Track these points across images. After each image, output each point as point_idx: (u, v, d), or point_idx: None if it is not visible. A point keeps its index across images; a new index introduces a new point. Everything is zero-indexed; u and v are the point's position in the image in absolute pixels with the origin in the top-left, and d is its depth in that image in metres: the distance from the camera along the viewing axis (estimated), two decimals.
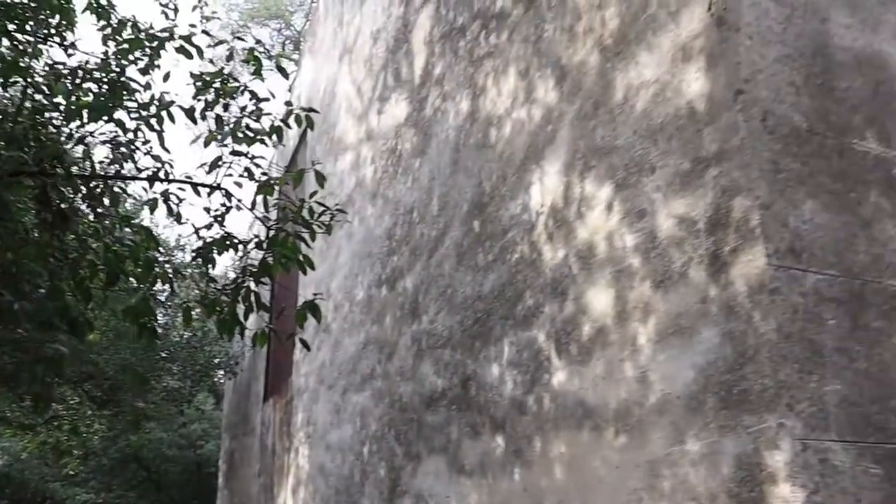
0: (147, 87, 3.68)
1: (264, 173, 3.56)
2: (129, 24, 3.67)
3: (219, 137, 3.45)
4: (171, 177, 3.55)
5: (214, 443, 15.37)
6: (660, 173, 2.50)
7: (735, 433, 2.12)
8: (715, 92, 2.31)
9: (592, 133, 2.89)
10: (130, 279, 3.67)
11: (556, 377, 2.99)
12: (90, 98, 3.52)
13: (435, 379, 4.11)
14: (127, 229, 3.69)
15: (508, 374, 3.35)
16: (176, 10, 3.91)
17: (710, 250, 2.26)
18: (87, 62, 3.62)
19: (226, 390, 14.70)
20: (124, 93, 3.57)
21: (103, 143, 3.72)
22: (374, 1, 6.04)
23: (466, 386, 3.75)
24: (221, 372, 13.21)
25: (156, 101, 3.58)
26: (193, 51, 3.71)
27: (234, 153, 3.45)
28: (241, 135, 3.48)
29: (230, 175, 3.49)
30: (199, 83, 3.60)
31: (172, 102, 3.51)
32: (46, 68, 3.63)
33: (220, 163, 3.42)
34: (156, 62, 3.70)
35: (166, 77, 3.80)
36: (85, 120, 3.52)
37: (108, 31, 3.67)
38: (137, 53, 3.65)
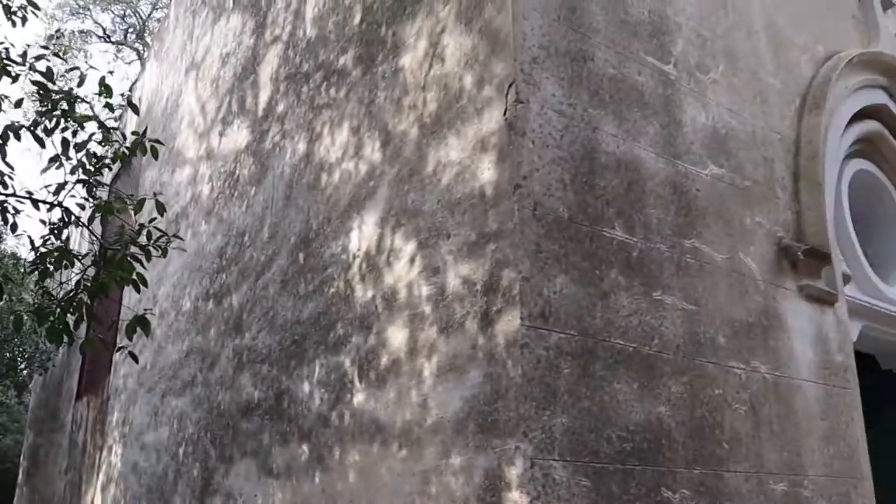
0: None
1: (106, 200, 3.83)
2: None
3: (64, 162, 3.69)
4: (11, 189, 3.74)
5: (12, 437, 14.65)
6: (453, 240, 3.10)
7: (486, 452, 2.73)
8: (500, 182, 2.93)
9: (406, 196, 3.46)
10: None
11: (356, 397, 3.52)
12: None
13: (252, 390, 4.52)
14: None
15: (317, 391, 3.84)
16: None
17: (483, 308, 2.87)
18: None
19: (33, 385, 14.09)
20: None
21: None
22: (225, 24, 6.37)
23: (280, 399, 4.19)
24: (26, 366, 12.72)
25: None
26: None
27: (80, 181, 3.70)
28: (85, 161, 3.73)
29: (73, 196, 3.74)
30: (45, 104, 3.80)
31: (22, 126, 3.68)
32: None
33: (64, 188, 3.65)
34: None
35: (18, 104, 3.96)
36: None
37: None
38: None
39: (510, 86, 2.98)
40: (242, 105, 5.54)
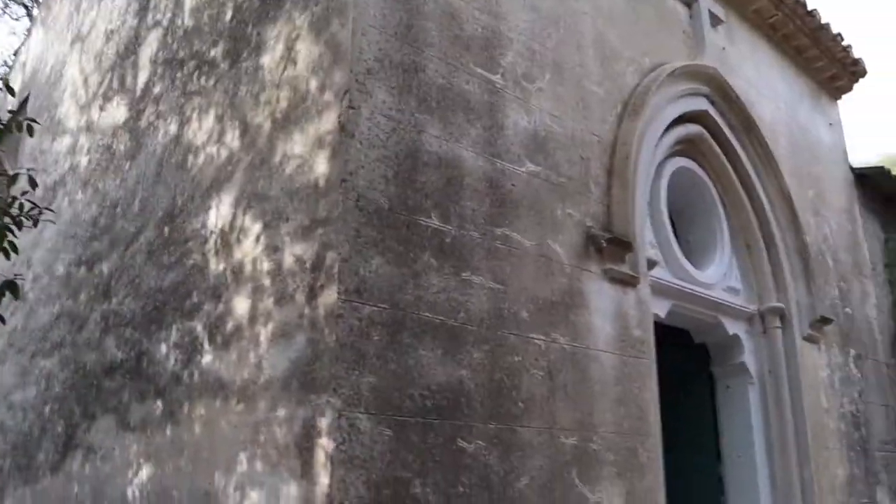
0: None
1: None
2: None
3: None
4: None
5: None
6: (291, 223, 3.59)
7: (304, 405, 3.25)
8: (331, 176, 3.44)
9: (256, 182, 3.93)
10: None
11: (205, 358, 4.00)
12: None
13: (116, 351, 4.93)
14: None
15: (172, 352, 4.30)
16: None
17: (309, 283, 3.38)
18: None
19: None
20: None
21: None
22: (111, 1, 6.62)
23: (140, 359, 4.63)
24: None
25: None
26: None
27: None
28: None
29: None
30: None
31: None
32: None
33: None
34: None
35: None
36: None
37: None
38: None
39: (345, 93, 3.48)
40: (123, 83, 5.85)
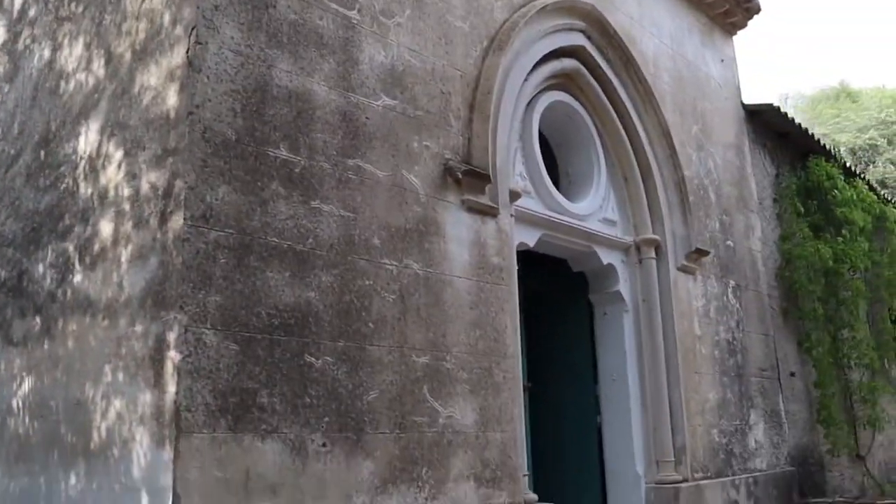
0: None
1: None
2: None
3: None
4: None
5: None
6: (147, 152, 3.99)
7: (157, 321, 3.71)
8: (180, 109, 3.82)
9: (119, 111, 4.30)
10: None
11: (76, 278, 4.42)
12: None
13: (0, 271, 5.32)
14: None
15: (48, 272, 4.71)
16: None
17: (161, 209, 3.80)
18: None
19: None
20: None
21: None
22: None
23: (21, 278, 5.02)
24: None
25: None
26: None
27: None
28: None
29: None
30: None
31: None
32: None
33: None
34: None
35: None
36: None
37: None
38: None
39: (192, 29, 3.85)
40: (1, 3, 6.07)
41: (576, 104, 6.33)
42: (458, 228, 4.91)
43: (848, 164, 9.56)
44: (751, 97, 8.30)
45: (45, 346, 4.63)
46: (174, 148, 3.80)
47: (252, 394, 3.76)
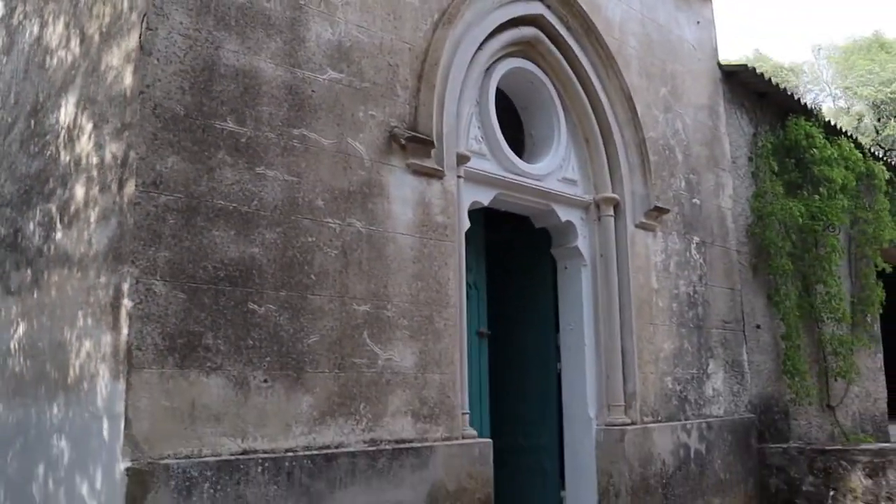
0: None
1: None
2: None
3: None
4: None
5: None
6: (110, 125, 4.60)
7: (115, 273, 4.35)
8: (134, 87, 4.42)
9: (89, 87, 4.92)
10: None
11: (57, 235, 5.10)
12: None
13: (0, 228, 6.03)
14: None
15: (37, 230, 5.40)
16: None
17: (119, 176, 4.42)
18: None
19: None
20: None
21: None
22: None
23: (16, 235, 5.73)
24: None
25: None
26: None
27: None
28: None
29: None
30: None
31: None
32: None
33: None
34: None
35: None
36: None
37: None
38: None
39: (144, 16, 4.43)
40: None
41: (536, 70, 6.79)
42: (402, 190, 5.46)
43: (833, 123, 9.84)
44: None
45: (35, 295, 5.34)
46: (129, 123, 4.41)
47: (198, 336, 4.40)
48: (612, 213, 7.09)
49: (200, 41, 4.61)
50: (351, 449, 4.88)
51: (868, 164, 9.97)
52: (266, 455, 4.50)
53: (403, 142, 5.42)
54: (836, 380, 9.17)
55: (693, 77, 8.29)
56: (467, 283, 6.16)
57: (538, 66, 6.81)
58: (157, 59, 4.43)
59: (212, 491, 4.24)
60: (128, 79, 4.49)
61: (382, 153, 5.39)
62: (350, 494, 4.79)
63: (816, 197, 8.92)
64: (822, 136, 9.09)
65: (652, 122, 7.52)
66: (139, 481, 4.00)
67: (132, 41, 4.51)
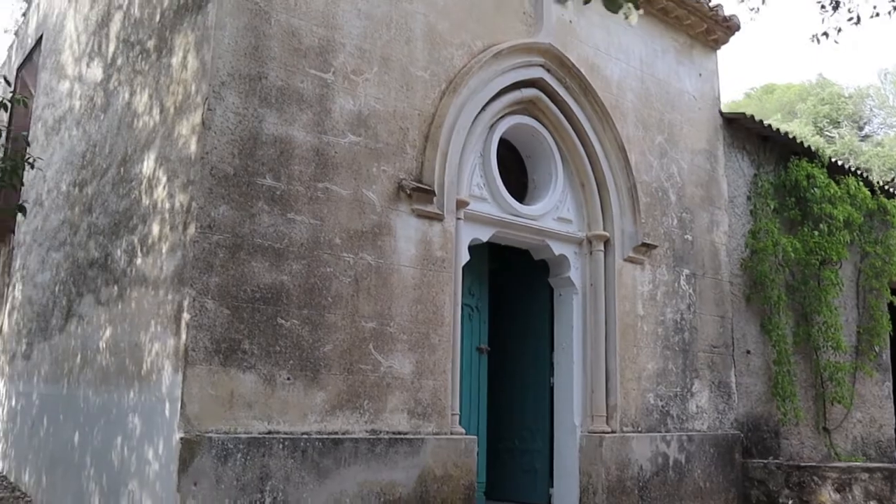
0: None
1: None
2: None
3: None
4: None
5: None
6: (179, 180, 6.38)
7: (178, 293, 6.11)
8: (197, 153, 6.18)
9: (165, 148, 6.72)
10: None
11: (137, 261, 6.92)
12: None
13: (95, 252, 7.93)
14: None
15: (123, 255, 7.25)
16: None
17: (184, 220, 6.19)
18: None
19: None
20: None
21: None
22: None
23: (107, 258, 7.61)
24: None
25: None
26: None
27: None
28: None
29: None
30: None
31: None
32: None
33: None
34: None
35: None
36: None
37: None
38: None
39: (206, 99, 6.20)
40: (100, 48, 8.64)
41: (537, 125, 8.37)
42: (407, 230, 7.11)
43: (840, 163, 11.07)
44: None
45: (119, 307, 7.18)
46: (192, 180, 6.18)
47: (238, 342, 6.13)
48: (602, 248, 8.59)
49: (248, 117, 6.37)
50: (355, 436, 6.55)
51: (880, 201, 11.16)
52: (286, 436, 6.19)
53: (409, 191, 7.08)
54: (832, 404, 10.40)
55: (692, 125, 9.72)
56: (469, 306, 7.78)
57: (539, 121, 8.39)
58: (215, 132, 6.20)
59: (243, 460, 5.95)
60: (193, 146, 6.27)
61: (392, 200, 7.05)
62: (352, 472, 6.45)
63: (816, 233, 10.19)
64: (824, 176, 10.35)
65: (646, 167, 9.00)
66: (189, 449, 5.73)
67: (197, 117, 6.29)
